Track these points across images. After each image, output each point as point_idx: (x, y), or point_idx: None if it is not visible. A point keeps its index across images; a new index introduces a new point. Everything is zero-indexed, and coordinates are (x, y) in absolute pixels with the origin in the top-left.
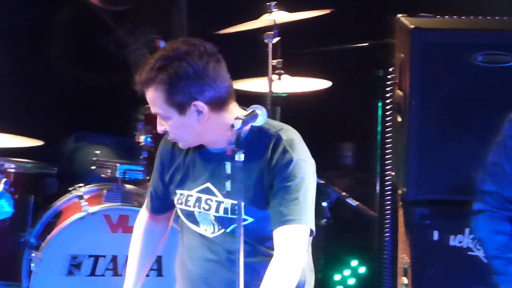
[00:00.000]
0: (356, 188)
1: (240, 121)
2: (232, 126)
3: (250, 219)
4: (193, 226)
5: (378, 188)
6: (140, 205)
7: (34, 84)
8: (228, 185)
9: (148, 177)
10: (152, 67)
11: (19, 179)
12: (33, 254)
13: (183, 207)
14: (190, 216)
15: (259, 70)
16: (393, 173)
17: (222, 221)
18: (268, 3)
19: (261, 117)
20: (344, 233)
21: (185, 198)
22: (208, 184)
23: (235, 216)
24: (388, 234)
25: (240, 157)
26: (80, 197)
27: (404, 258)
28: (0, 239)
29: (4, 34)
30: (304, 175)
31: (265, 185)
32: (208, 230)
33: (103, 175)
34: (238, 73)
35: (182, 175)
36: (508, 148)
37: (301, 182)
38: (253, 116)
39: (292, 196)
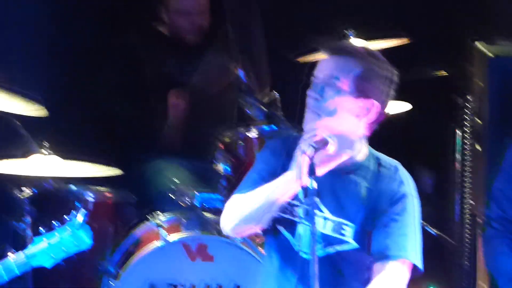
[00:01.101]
0: (435, 216)
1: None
2: None
3: (353, 244)
4: (290, 238)
5: (457, 216)
6: (219, 234)
7: (112, 111)
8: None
9: None
10: None
11: (98, 207)
12: (111, 283)
13: (287, 216)
14: (292, 227)
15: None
16: (472, 202)
17: (325, 239)
18: (346, 31)
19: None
20: (423, 262)
21: (290, 207)
22: (315, 198)
23: (340, 236)
24: (467, 262)
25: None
26: (159, 225)
27: (482, 286)
28: (79, 267)
29: (81, 61)
30: (415, 210)
31: (375, 213)
32: (306, 245)
33: (182, 204)
34: None
35: None
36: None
37: (411, 217)
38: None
39: (401, 231)
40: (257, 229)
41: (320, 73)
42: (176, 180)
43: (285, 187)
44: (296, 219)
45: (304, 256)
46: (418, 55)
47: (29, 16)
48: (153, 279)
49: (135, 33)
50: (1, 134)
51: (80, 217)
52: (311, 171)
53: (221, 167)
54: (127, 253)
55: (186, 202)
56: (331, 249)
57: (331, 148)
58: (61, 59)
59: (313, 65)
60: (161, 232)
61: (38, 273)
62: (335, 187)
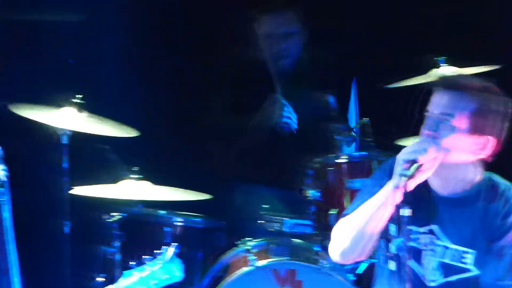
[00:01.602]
0: None
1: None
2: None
3: (475, 272)
4: (415, 267)
5: None
6: (308, 260)
7: (202, 137)
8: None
9: (317, 232)
10: None
11: (187, 232)
12: None
13: (411, 243)
14: (416, 254)
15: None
16: None
17: (445, 268)
18: (437, 58)
19: None
20: None
21: (413, 233)
22: (434, 227)
23: (461, 264)
24: None
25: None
26: (248, 251)
27: None
28: None
29: (173, 88)
30: None
31: (490, 236)
32: (430, 275)
33: (270, 229)
34: (405, 128)
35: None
36: None
37: None
38: None
39: None
40: (365, 254)
41: (434, 109)
42: (265, 206)
43: (385, 198)
44: (422, 247)
45: (432, 284)
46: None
47: (122, 43)
48: None
49: (229, 59)
50: (92, 159)
51: (171, 250)
52: (406, 200)
53: (309, 193)
54: (216, 278)
55: (275, 227)
56: (452, 278)
57: (426, 174)
58: (153, 85)
59: (425, 98)
60: (250, 258)
61: None
62: (453, 215)
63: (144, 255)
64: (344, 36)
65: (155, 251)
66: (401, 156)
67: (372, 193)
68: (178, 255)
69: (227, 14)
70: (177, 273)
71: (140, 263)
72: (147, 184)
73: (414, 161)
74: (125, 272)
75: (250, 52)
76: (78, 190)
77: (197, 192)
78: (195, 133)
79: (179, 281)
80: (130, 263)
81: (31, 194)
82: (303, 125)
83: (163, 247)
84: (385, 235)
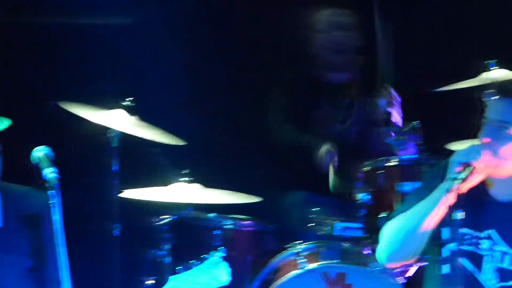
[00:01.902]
0: None
1: None
2: None
3: None
4: (471, 271)
5: None
6: (358, 263)
7: (252, 140)
8: None
9: (367, 235)
10: None
11: (236, 236)
12: None
13: (470, 247)
14: (473, 259)
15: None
16: None
17: (503, 273)
18: (487, 61)
19: None
20: None
21: (472, 237)
22: (492, 231)
23: None
24: None
25: None
26: (298, 254)
27: None
28: None
29: (224, 94)
30: None
31: None
32: (486, 280)
33: (320, 233)
34: (455, 132)
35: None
36: None
37: None
38: None
39: None
40: (413, 257)
41: (492, 116)
42: (314, 209)
43: (437, 201)
44: (480, 252)
45: None
46: None
47: (175, 50)
48: None
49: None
50: (142, 162)
51: (217, 254)
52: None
53: (359, 196)
54: (266, 281)
55: (325, 231)
56: (509, 283)
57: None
58: (204, 91)
59: (483, 105)
60: (300, 261)
61: None
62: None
63: (193, 259)
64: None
65: (202, 256)
66: (454, 159)
67: (421, 196)
68: (227, 258)
69: (281, 24)
70: (223, 277)
71: (188, 266)
72: (197, 187)
73: (467, 165)
74: (171, 276)
75: (304, 63)
76: (128, 194)
77: (246, 195)
78: (246, 137)
79: (226, 285)
80: (178, 266)
81: (81, 196)
82: (353, 129)
83: (210, 251)
84: (436, 238)
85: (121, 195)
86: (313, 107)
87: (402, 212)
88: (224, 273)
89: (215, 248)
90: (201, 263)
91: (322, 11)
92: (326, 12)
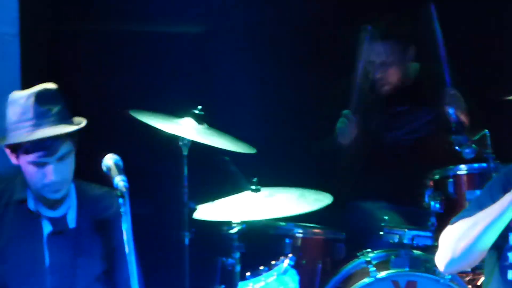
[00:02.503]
0: None
1: None
2: None
3: None
4: None
5: None
6: (428, 271)
7: (323, 149)
8: None
9: (436, 243)
10: None
11: (307, 243)
12: None
13: None
14: None
15: None
16: None
17: None
18: None
19: None
20: None
21: None
22: None
23: None
24: None
25: None
26: (368, 262)
27: None
28: None
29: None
30: None
31: None
32: None
33: (391, 241)
34: None
35: None
36: None
37: None
38: None
39: None
40: (473, 264)
41: None
42: (385, 217)
43: (500, 210)
44: None
45: None
46: None
47: (242, 61)
48: None
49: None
50: (212, 171)
51: (286, 262)
52: None
53: (430, 205)
54: None
55: (395, 239)
56: None
57: None
58: (273, 99)
59: None
60: (370, 269)
61: None
62: None
63: (253, 270)
64: (459, 47)
65: (271, 262)
66: None
67: (482, 203)
68: (297, 266)
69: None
70: (292, 285)
71: (258, 273)
72: (266, 194)
73: None
74: (240, 283)
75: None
76: (200, 214)
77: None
78: (314, 146)
79: None
80: (247, 273)
81: (151, 204)
82: (417, 138)
83: (280, 258)
84: (501, 245)
85: (194, 215)
86: (367, 116)
87: (461, 218)
88: (292, 281)
89: (285, 256)
90: (270, 270)
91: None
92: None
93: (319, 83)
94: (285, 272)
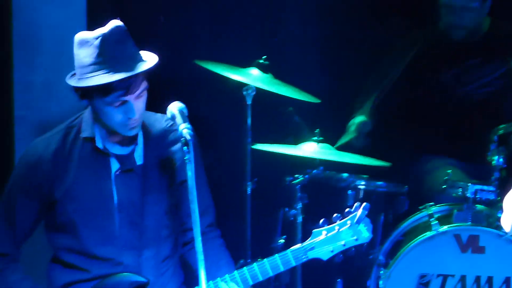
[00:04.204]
0: None
1: None
2: None
3: None
4: None
5: None
6: (491, 226)
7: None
8: None
9: (499, 198)
10: None
11: (369, 196)
12: (381, 272)
13: None
14: None
15: None
16: None
17: None
18: None
19: None
20: None
21: None
22: None
23: None
24: None
25: None
26: (431, 215)
27: None
28: (350, 256)
29: (354, 53)
30: None
31: None
32: None
33: (453, 195)
34: None
35: None
36: None
37: None
38: None
39: None
40: None
41: None
42: (448, 171)
43: None
44: None
45: None
46: None
47: (307, 12)
48: (423, 269)
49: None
50: (275, 121)
51: (361, 211)
52: None
53: (494, 159)
54: (398, 242)
55: (458, 193)
56: None
57: None
58: (335, 51)
59: None
60: (432, 223)
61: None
62: None
63: (325, 218)
64: None
65: (346, 210)
66: None
67: None
68: (369, 221)
69: None
70: (365, 234)
71: (330, 221)
72: (328, 146)
73: None
74: (314, 231)
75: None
76: (261, 146)
77: (376, 160)
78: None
79: (367, 242)
80: (320, 222)
81: (214, 153)
82: (487, 92)
83: (355, 205)
84: None
85: (253, 146)
86: (436, 69)
87: None
88: (366, 230)
89: (350, 207)
90: (344, 218)
91: None
92: None
93: (388, 36)
94: (359, 220)
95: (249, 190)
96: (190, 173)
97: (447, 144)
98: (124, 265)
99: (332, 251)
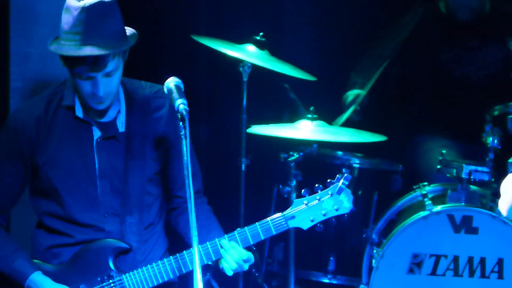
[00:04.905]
0: None
1: None
2: None
3: None
4: None
5: None
6: (484, 207)
7: (379, 80)
8: None
9: (493, 179)
10: None
11: (363, 174)
12: (374, 251)
13: None
14: None
15: None
16: None
17: None
18: None
19: None
20: None
21: None
22: None
23: None
24: None
25: None
26: (424, 195)
27: None
28: (343, 233)
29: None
30: None
31: None
32: None
33: (448, 175)
34: None
35: None
36: None
37: None
38: None
39: None
40: None
41: None
42: (443, 151)
43: None
44: None
45: None
46: None
47: None
48: (416, 249)
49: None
50: (271, 97)
51: (342, 181)
52: None
53: (489, 140)
54: (391, 222)
55: (453, 173)
56: None
57: None
58: (333, 29)
59: None
60: (426, 202)
61: (299, 237)
62: None
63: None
64: None
65: (327, 181)
66: None
67: None
68: (349, 189)
69: None
70: (346, 204)
71: (313, 192)
72: (323, 124)
73: None
74: (295, 200)
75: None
76: (256, 129)
77: (371, 134)
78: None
79: (347, 212)
80: (302, 191)
81: (209, 129)
82: (486, 75)
83: (336, 177)
84: None
85: (248, 130)
86: (436, 48)
87: None
88: (347, 201)
89: (341, 175)
90: (325, 188)
91: None
92: None
93: (387, 13)
94: (340, 191)
95: (243, 166)
96: (186, 148)
97: (443, 124)
98: (107, 232)
99: (312, 221)
